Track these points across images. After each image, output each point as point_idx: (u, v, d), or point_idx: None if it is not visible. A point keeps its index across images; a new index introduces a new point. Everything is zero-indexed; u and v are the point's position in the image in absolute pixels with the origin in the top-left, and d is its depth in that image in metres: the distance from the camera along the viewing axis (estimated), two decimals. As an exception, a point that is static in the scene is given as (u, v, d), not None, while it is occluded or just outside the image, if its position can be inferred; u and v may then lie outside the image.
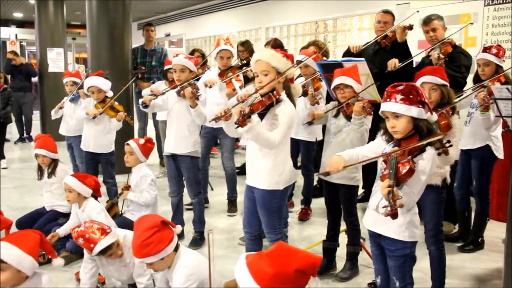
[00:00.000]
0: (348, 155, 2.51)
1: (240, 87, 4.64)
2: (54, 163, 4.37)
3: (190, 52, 7.03)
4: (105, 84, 4.60)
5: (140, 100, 3.96)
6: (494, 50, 3.73)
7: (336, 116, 3.42)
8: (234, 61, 5.21)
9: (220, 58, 4.68)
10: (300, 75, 4.47)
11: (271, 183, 2.87)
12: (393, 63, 4.38)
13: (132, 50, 6.94)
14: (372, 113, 3.18)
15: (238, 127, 2.55)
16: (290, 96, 2.90)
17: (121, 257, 2.94)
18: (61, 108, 5.30)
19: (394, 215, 2.05)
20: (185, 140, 3.90)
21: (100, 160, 4.78)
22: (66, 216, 4.30)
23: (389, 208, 2.05)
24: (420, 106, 2.27)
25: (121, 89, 4.79)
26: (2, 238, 2.43)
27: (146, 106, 3.89)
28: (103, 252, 2.84)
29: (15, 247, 2.32)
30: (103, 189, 4.24)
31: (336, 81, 3.31)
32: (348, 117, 3.33)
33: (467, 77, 4.17)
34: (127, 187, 4.10)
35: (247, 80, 5.10)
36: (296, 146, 4.60)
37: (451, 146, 2.48)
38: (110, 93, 4.70)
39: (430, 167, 2.28)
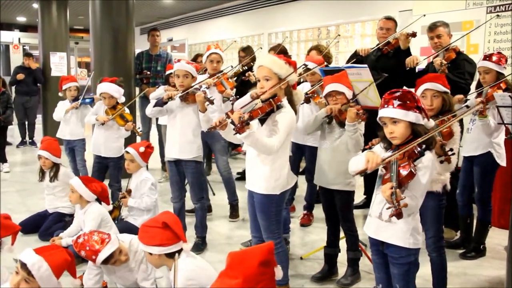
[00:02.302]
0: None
1: (231, 89, 4.64)
2: (56, 167, 4.42)
3: (193, 57, 7.06)
4: (117, 91, 4.64)
5: (156, 100, 3.90)
6: (494, 58, 3.74)
7: (329, 123, 3.43)
8: (235, 67, 5.22)
9: (209, 62, 4.67)
10: (305, 81, 4.47)
11: (268, 188, 2.89)
12: (415, 60, 4.37)
13: (137, 55, 6.98)
14: (366, 119, 3.19)
15: (236, 133, 2.55)
16: (291, 102, 2.92)
17: (125, 262, 2.94)
18: (77, 108, 5.30)
19: (399, 215, 2.08)
20: (190, 145, 3.91)
21: (108, 164, 4.83)
22: (71, 215, 4.32)
23: (393, 209, 2.07)
24: (417, 111, 2.29)
25: (132, 99, 4.86)
26: (37, 249, 2.47)
27: (164, 103, 3.81)
28: (106, 261, 2.85)
29: (46, 264, 2.38)
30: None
31: (328, 88, 3.32)
32: (341, 124, 3.35)
33: (471, 83, 4.17)
34: (129, 191, 4.11)
35: (246, 85, 5.10)
36: (299, 151, 4.60)
37: (453, 154, 2.49)
38: (122, 99, 4.74)
39: (430, 170, 2.29)
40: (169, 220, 2.51)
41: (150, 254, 2.53)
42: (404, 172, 2.20)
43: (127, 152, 4.11)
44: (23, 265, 2.35)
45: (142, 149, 4.10)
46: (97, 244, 2.81)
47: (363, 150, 2.96)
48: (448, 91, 2.99)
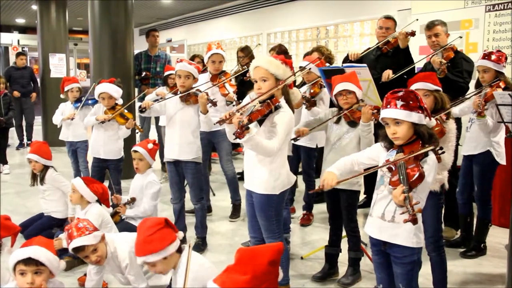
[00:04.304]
0: (338, 168, 2.52)
1: (234, 92, 4.64)
2: (45, 169, 4.37)
3: (190, 57, 7.05)
4: (116, 92, 4.63)
5: (138, 104, 3.95)
6: (493, 57, 3.73)
7: (337, 122, 3.42)
8: (235, 67, 5.23)
9: (211, 62, 4.66)
10: (304, 83, 4.46)
11: (268, 188, 2.90)
12: (387, 75, 4.40)
13: (135, 56, 6.97)
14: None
15: (236, 138, 2.57)
16: (288, 101, 2.93)
17: (97, 264, 2.88)
18: (72, 119, 5.28)
19: (414, 221, 2.03)
20: (189, 146, 3.91)
21: (108, 166, 4.81)
22: (60, 225, 4.27)
23: (408, 214, 2.04)
24: (420, 111, 2.28)
25: (132, 99, 4.83)
26: (28, 242, 2.49)
27: (143, 111, 3.87)
28: (76, 251, 2.79)
29: (46, 250, 2.42)
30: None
31: (339, 87, 3.30)
32: (351, 123, 3.33)
33: (469, 82, 4.18)
34: (133, 200, 4.11)
35: (245, 85, 5.10)
36: (297, 151, 4.60)
37: (443, 152, 2.49)
38: (120, 101, 4.73)
39: (434, 169, 2.30)
40: (161, 220, 2.48)
41: (165, 258, 2.45)
42: (413, 174, 2.18)
43: (135, 151, 4.09)
44: (27, 261, 2.36)
45: (150, 145, 4.09)
46: (77, 231, 2.76)
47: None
48: (440, 89, 2.98)
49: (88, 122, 4.89)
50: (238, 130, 2.53)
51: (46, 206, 4.40)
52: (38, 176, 4.39)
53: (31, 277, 2.36)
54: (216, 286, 1.70)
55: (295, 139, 3.51)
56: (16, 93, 8.66)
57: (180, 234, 2.56)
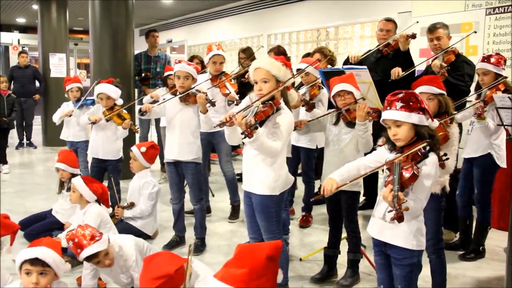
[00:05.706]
0: (341, 174, 2.51)
1: (235, 91, 4.64)
2: (72, 177, 4.36)
3: (189, 58, 7.06)
4: (114, 92, 4.63)
5: (139, 108, 3.97)
6: (492, 59, 3.74)
7: (336, 123, 3.42)
8: (236, 68, 5.23)
9: (213, 63, 4.66)
10: (302, 84, 4.46)
11: (268, 189, 2.91)
12: (397, 72, 4.38)
13: (135, 56, 6.97)
14: (377, 117, 3.17)
15: (245, 137, 2.58)
16: (287, 103, 2.96)
17: (109, 266, 2.88)
18: (70, 115, 5.30)
19: (400, 218, 2.06)
20: (189, 147, 3.92)
21: (107, 167, 4.81)
22: (61, 228, 4.28)
23: (394, 212, 2.06)
24: (421, 112, 2.28)
25: (131, 101, 4.84)
26: (34, 242, 2.49)
27: (143, 114, 3.89)
28: (89, 258, 2.79)
29: (54, 252, 2.42)
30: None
31: (337, 88, 3.31)
32: (349, 124, 3.34)
33: (470, 85, 4.18)
34: (131, 204, 4.10)
35: (246, 86, 5.10)
36: (297, 153, 4.60)
37: (447, 159, 2.49)
38: (120, 101, 4.73)
39: (434, 172, 2.29)
40: (158, 276, 2.22)
41: None
42: (406, 174, 2.19)
43: (131, 150, 4.13)
44: (34, 261, 2.36)
45: (143, 149, 4.09)
46: (85, 239, 2.74)
47: (371, 150, 2.96)
48: (444, 92, 2.98)
49: (82, 121, 4.93)
50: (248, 130, 2.55)
51: (61, 207, 4.37)
52: (66, 184, 4.38)
53: (36, 278, 2.37)
54: (216, 280, 1.71)
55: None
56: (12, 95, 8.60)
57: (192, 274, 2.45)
